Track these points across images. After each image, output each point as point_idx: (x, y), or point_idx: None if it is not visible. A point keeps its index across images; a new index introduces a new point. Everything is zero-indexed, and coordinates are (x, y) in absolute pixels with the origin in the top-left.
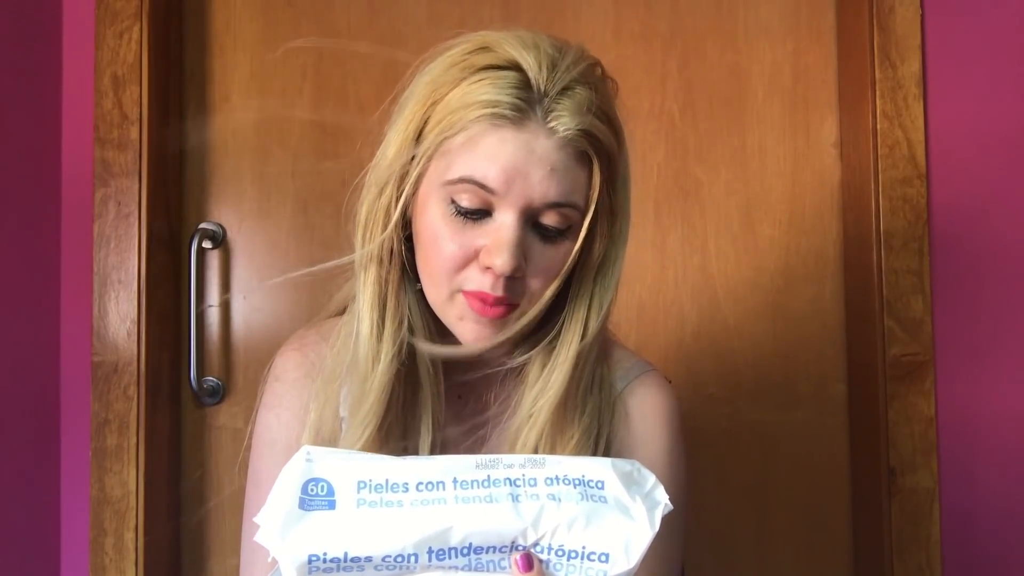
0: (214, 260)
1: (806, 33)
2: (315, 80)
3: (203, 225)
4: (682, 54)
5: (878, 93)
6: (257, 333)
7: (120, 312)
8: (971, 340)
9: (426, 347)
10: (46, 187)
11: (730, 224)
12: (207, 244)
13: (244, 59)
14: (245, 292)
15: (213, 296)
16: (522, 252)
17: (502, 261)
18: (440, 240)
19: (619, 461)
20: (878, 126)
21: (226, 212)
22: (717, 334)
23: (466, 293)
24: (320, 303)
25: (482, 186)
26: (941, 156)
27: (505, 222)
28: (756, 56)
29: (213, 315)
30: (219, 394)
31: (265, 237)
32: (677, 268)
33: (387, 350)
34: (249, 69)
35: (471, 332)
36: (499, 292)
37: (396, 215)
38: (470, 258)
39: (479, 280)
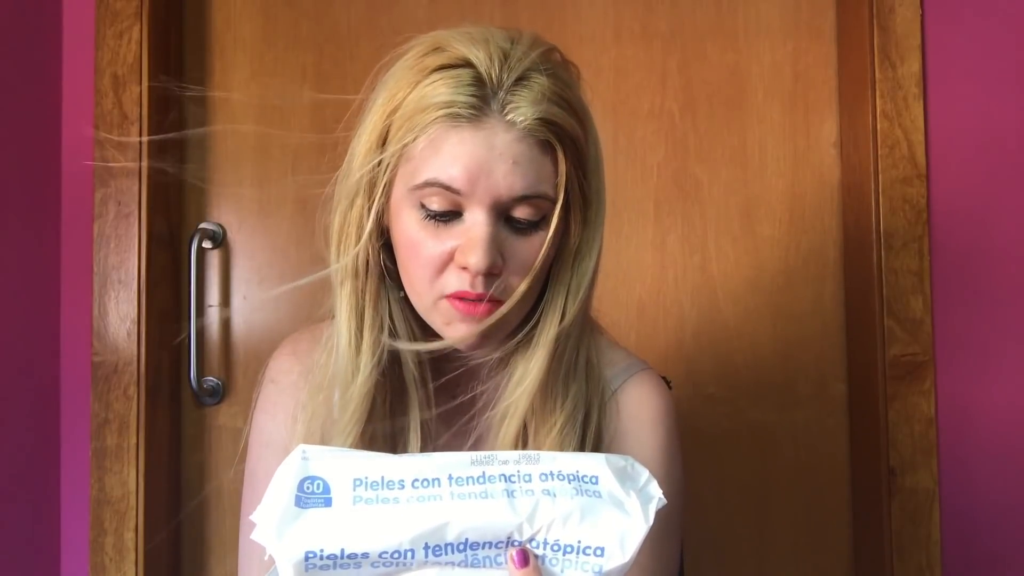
0: (214, 260)
1: (806, 33)
2: (315, 80)
3: (203, 225)
4: (682, 54)
5: (878, 93)
6: (257, 333)
7: (120, 312)
8: (971, 340)
9: (406, 346)
10: (46, 187)
11: (730, 224)
12: (207, 244)
13: (244, 59)
14: (245, 292)
15: (213, 296)
16: (497, 248)
17: (476, 259)
18: (416, 246)
19: (613, 456)
20: (878, 126)
21: (226, 212)
22: (717, 334)
23: (449, 297)
24: (320, 303)
25: (447, 188)
26: (941, 156)
27: (476, 220)
28: (756, 56)
29: (213, 315)
30: (219, 394)
31: (265, 237)
32: (677, 268)
33: (366, 361)
34: (249, 69)
35: (459, 333)
36: (479, 289)
37: (369, 225)
38: (446, 261)
39: (459, 280)
